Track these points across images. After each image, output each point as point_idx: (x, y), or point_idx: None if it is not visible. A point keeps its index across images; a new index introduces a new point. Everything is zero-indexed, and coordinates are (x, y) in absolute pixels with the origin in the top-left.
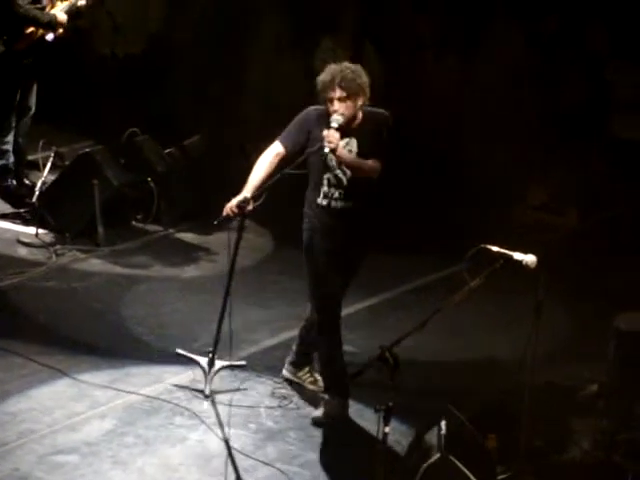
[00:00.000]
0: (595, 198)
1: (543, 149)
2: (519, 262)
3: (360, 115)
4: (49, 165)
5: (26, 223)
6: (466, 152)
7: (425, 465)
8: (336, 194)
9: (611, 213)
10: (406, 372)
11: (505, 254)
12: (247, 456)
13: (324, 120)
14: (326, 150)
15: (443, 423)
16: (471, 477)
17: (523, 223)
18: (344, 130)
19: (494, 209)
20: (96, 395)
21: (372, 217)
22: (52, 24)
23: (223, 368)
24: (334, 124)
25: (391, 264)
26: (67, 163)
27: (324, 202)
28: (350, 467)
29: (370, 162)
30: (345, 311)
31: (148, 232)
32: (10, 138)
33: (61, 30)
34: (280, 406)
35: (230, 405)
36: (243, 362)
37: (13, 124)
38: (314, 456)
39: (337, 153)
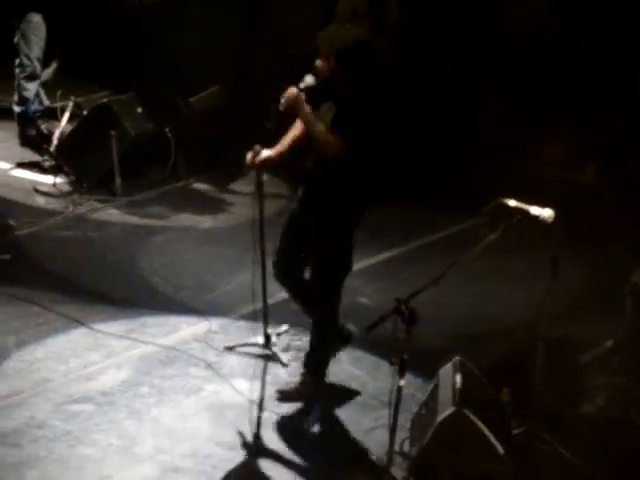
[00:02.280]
0: (614, 154)
1: (562, 105)
2: (536, 216)
3: (349, 83)
4: (67, 115)
5: (44, 172)
6: (483, 105)
7: (440, 418)
8: (313, 154)
9: (630, 169)
10: (421, 325)
11: (522, 209)
12: (262, 408)
13: None
14: (280, 106)
15: (458, 376)
16: (485, 431)
17: (541, 178)
18: (325, 92)
19: (512, 163)
20: (112, 345)
21: (339, 195)
22: None
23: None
24: (301, 83)
25: (408, 218)
26: (85, 113)
27: (308, 161)
28: (364, 420)
29: (327, 133)
30: (361, 264)
31: (165, 182)
32: (33, 86)
33: None
34: (296, 359)
35: (245, 355)
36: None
37: (37, 71)
38: (327, 408)
39: (298, 112)
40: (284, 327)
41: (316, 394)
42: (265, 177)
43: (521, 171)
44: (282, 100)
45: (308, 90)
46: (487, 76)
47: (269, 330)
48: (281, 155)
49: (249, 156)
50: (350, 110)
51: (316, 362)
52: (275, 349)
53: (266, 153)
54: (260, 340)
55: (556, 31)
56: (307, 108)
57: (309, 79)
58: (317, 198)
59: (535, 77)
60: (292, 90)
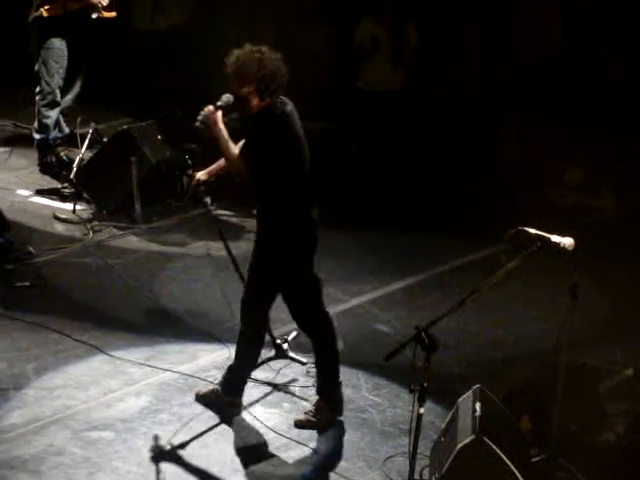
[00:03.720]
0: (632, 179)
1: (580, 130)
2: (556, 244)
3: (259, 107)
4: (87, 141)
5: (64, 199)
6: (502, 131)
7: (459, 446)
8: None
9: None
10: (441, 352)
11: (542, 236)
12: (280, 435)
13: None
14: (197, 123)
15: (477, 404)
16: (505, 459)
17: (560, 205)
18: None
19: (531, 191)
20: (131, 372)
21: (277, 233)
22: None
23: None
24: (218, 101)
25: (428, 245)
26: (105, 140)
27: None
28: (383, 447)
29: (234, 154)
30: (381, 291)
31: (184, 210)
32: (53, 113)
33: (112, 13)
34: (314, 385)
35: (264, 384)
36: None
37: (58, 99)
38: (348, 436)
39: (213, 131)
40: (294, 333)
41: (334, 419)
42: (208, 200)
43: (540, 198)
44: (199, 117)
45: (225, 108)
46: (506, 103)
47: (278, 340)
48: (214, 174)
49: (184, 181)
50: (257, 135)
51: (329, 387)
52: (290, 353)
53: (200, 175)
54: (272, 353)
55: (572, 54)
56: (222, 126)
57: (226, 97)
58: (261, 237)
59: (553, 102)
60: (209, 108)
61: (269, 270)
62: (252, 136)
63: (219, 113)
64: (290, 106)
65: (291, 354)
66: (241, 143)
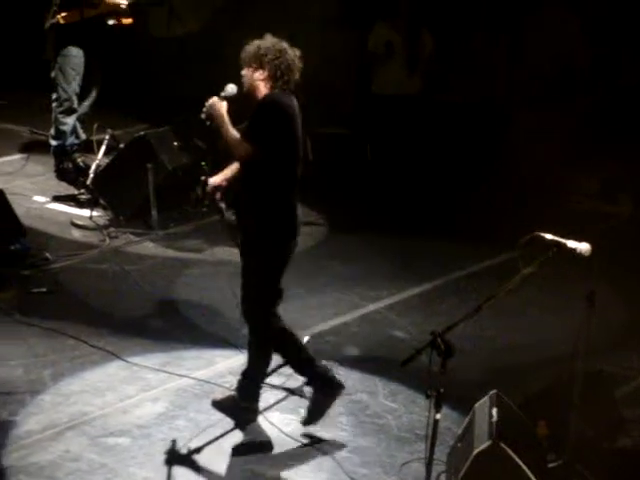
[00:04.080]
0: None
1: (597, 136)
2: (572, 250)
3: (264, 93)
4: (104, 148)
5: (80, 206)
6: (518, 137)
7: (476, 452)
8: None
9: None
10: (457, 358)
11: (558, 242)
12: (297, 441)
13: None
14: (202, 115)
15: (494, 410)
16: (521, 464)
17: (577, 211)
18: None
19: (547, 197)
20: (148, 378)
21: (261, 221)
22: (95, 2)
23: None
24: (222, 92)
25: (444, 250)
26: (122, 146)
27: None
28: (400, 453)
29: (238, 139)
30: (397, 297)
31: (201, 216)
32: (70, 120)
33: (129, 19)
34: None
35: (282, 389)
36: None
37: (75, 106)
38: (365, 442)
39: (216, 122)
40: (306, 338)
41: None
42: (223, 205)
43: (557, 204)
44: (204, 109)
45: (229, 99)
46: (522, 107)
47: None
48: (229, 179)
49: (198, 191)
50: (257, 116)
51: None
52: None
53: (213, 181)
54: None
55: (589, 57)
56: (226, 117)
57: (230, 88)
58: (246, 226)
59: (569, 107)
60: (214, 99)
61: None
62: (253, 119)
63: (224, 103)
64: (296, 103)
65: None
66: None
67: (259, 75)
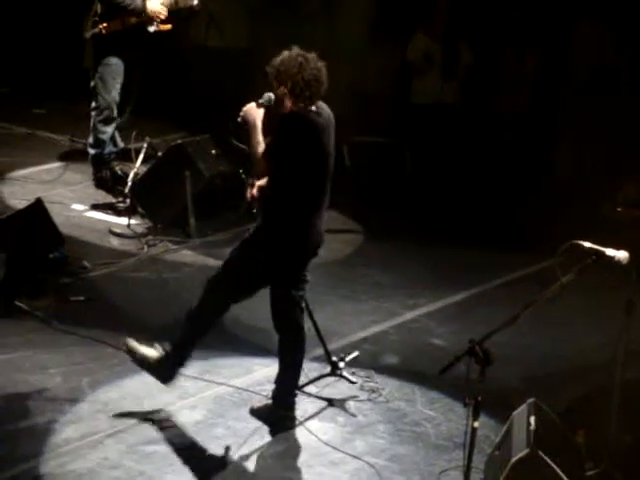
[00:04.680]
0: None
1: (636, 145)
2: (611, 258)
3: (289, 109)
4: (142, 156)
5: (118, 214)
6: (557, 148)
7: (514, 460)
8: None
9: None
10: (496, 366)
11: (597, 250)
12: (335, 449)
13: None
14: (238, 119)
15: (532, 418)
16: (559, 473)
17: (616, 220)
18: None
19: (586, 205)
20: (186, 386)
21: (270, 237)
22: (137, 10)
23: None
24: (260, 99)
25: (482, 258)
26: (159, 154)
27: None
28: (438, 461)
29: (262, 150)
30: (435, 305)
31: (239, 224)
32: (109, 129)
33: (168, 25)
34: (369, 399)
35: (319, 398)
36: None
37: (114, 115)
38: (403, 450)
39: (248, 128)
40: (355, 353)
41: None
42: None
43: (596, 213)
44: (240, 113)
45: (266, 106)
46: (562, 116)
47: (334, 358)
48: None
49: (248, 193)
50: (277, 135)
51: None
52: (344, 372)
53: (259, 183)
54: (327, 369)
55: (629, 69)
56: (259, 125)
57: (267, 96)
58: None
59: (610, 116)
60: (250, 105)
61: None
62: (274, 136)
63: (260, 111)
64: (324, 117)
65: (345, 374)
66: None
67: (282, 90)
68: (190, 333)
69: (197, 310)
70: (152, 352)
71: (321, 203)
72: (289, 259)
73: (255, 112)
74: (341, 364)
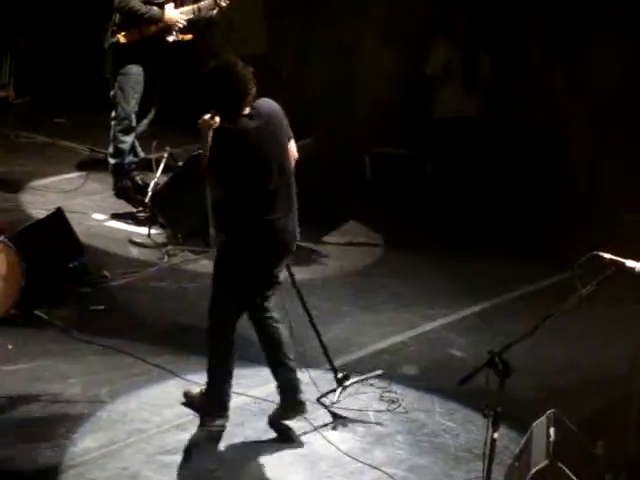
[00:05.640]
0: None
1: None
2: (631, 269)
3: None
4: (162, 166)
5: (139, 223)
6: (577, 156)
7: (533, 471)
8: None
9: None
10: (515, 377)
11: (617, 261)
12: (354, 459)
13: None
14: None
15: (552, 429)
16: None
17: (636, 230)
18: None
19: (607, 216)
20: None
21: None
22: (154, 19)
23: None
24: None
25: (501, 269)
26: (180, 164)
27: None
28: (457, 472)
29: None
30: (454, 316)
31: None
32: (129, 138)
33: (188, 35)
34: (388, 410)
35: (338, 408)
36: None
37: (134, 124)
38: (422, 461)
39: (201, 138)
40: (378, 372)
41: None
42: None
43: (616, 222)
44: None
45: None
46: (580, 126)
47: (339, 375)
48: None
49: None
50: (210, 151)
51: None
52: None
53: None
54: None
55: None
56: (210, 133)
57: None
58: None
59: (627, 124)
60: (204, 117)
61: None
62: (209, 150)
63: (216, 120)
64: (262, 116)
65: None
66: None
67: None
68: (215, 360)
69: (209, 338)
70: (196, 391)
71: (274, 203)
72: (249, 261)
73: (208, 124)
74: (347, 382)
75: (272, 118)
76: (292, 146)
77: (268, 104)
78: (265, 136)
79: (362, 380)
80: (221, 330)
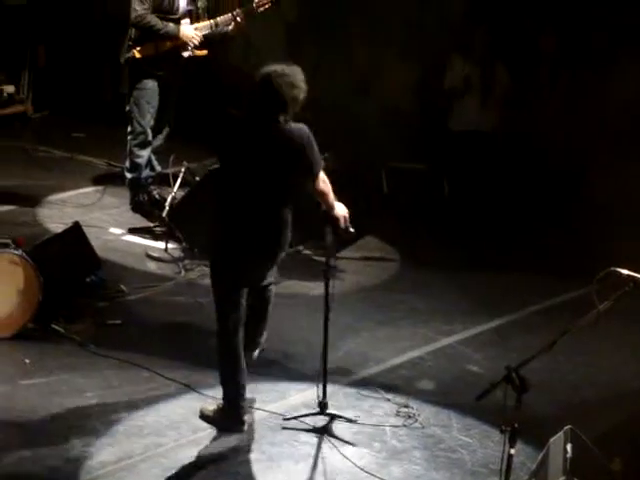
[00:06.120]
0: None
1: None
2: None
3: None
4: (179, 180)
5: (156, 238)
6: (596, 171)
7: None
8: None
9: None
10: (532, 393)
11: (635, 277)
12: (371, 475)
13: None
14: None
15: (569, 445)
16: None
17: None
18: None
19: (625, 231)
20: None
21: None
22: (170, 35)
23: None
24: None
25: (519, 285)
26: (197, 178)
27: None
28: None
29: None
30: (471, 331)
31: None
32: (145, 153)
33: (204, 51)
34: (405, 425)
35: (355, 423)
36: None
37: (150, 139)
38: (438, 476)
39: None
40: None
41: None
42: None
43: (634, 238)
44: None
45: None
46: (598, 140)
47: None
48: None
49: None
50: None
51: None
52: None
53: (344, 211)
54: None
55: None
56: None
57: None
58: None
59: None
60: None
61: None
62: None
63: None
64: (275, 132)
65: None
66: None
67: None
68: (224, 374)
69: (217, 351)
70: (212, 406)
71: (249, 208)
72: (225, 259)
73: None
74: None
75: (283, 141)
76: (320, 178)
77: (297, 130)
78: (262, 145)
79: (338, 416)
80: (226, 337)
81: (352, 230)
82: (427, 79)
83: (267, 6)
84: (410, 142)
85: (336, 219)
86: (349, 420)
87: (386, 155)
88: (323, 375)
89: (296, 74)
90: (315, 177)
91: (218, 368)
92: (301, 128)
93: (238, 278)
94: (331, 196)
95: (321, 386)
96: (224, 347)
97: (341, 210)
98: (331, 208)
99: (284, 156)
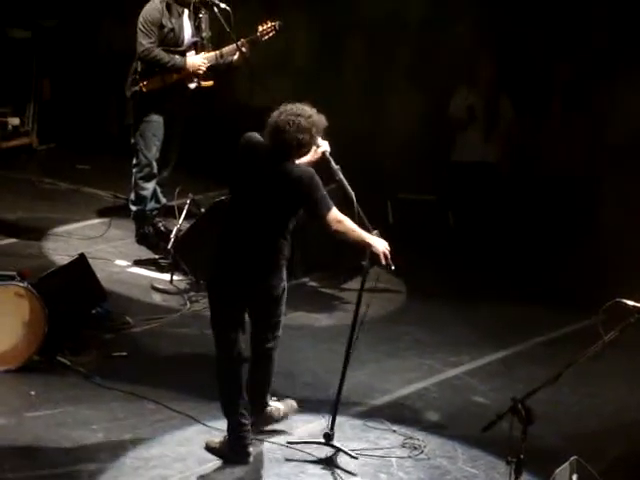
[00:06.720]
0: None
1: None
2: None
3: None
4: (185, 212)
5: (161, 269)
6: (602, 203)
7: None
8: None
9: None
10: (537, 424)
11: None
12: None
13: None
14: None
15: (575, 476)
16: None
17: None
18: None
19: (631, 264)
20: None
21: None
22: (176, 67)
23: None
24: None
25: (524, 316)
26: (202, 210)
27: None
28: None
29: None
30: (477, 362)
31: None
32: (150, 185)
33: (210, 82)
34: (411, 456)
35: (361, 454)
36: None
37: (155, 171)
38: None
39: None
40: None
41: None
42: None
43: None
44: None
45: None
46: (602, 171)
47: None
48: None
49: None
50: None
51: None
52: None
53: (384, 245)
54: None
55: None
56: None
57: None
58: None
59: None
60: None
61: None
62: None
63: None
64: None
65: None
66: None
67: None
68: (225, 406)
69: (217, 375)
70: (218, 438)
71: (240, 235)
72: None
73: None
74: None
75: (282, 179)
76: (333, 219)
77: (298, 172)
78: (264, 179)
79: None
80: (221, 364)
81: (393, 268)
82: (434, 111)
83: (271, 34)
84: (417, 173)
85: (376, 255)
86: (350, 456)
87: (392, 186)
88: (335, 405)
89: (305, 115)
90: (321, 219)
91: (220, 400)
92: (304, 171)
93: (219, 295)
94: (356, 234)
95: (329, 417)
96: (221, 375)
97: (381, 246)
98: (364, 245)
99: (280, 193)
